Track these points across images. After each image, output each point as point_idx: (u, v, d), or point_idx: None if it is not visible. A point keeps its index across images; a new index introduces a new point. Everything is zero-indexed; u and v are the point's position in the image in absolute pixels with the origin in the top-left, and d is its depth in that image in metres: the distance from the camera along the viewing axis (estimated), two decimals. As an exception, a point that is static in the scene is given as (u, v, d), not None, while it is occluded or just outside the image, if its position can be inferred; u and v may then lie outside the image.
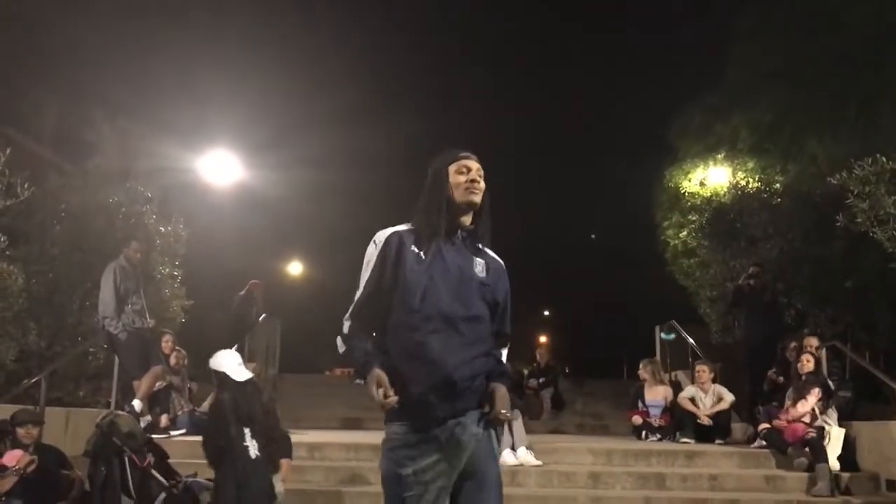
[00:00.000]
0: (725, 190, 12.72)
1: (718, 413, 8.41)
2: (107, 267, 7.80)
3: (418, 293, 2.64)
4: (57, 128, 15.43)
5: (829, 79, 11.12)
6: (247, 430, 4.98)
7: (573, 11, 46.63)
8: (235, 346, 10.57)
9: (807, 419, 7.04)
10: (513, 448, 6.93)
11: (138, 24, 16.19)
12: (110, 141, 12.42)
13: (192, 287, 10.66)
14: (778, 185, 11.80)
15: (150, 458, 5.53)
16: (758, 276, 9.72)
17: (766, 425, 7.36)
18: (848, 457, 6.87)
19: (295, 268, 28.54)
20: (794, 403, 7.21)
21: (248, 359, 11.46)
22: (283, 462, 5.69)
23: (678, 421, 8.52)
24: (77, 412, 7.42)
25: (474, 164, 2.80)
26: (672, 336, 12.09)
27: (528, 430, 7.48)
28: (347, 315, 2.74)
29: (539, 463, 6.80)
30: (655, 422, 8.76)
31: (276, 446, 5.73)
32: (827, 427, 6.91)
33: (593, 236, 36.55)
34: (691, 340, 11.25)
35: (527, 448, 6.94)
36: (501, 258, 2.91)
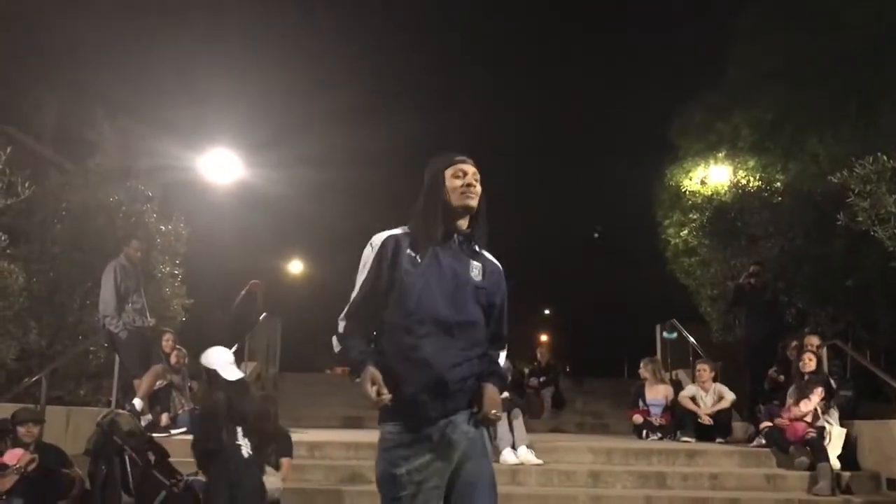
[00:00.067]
0: (726, 188, 12.71)
1: (719, 412, 8.41)
2: (107, 266, 7.82)
3: (413, 297, 2.67)
4: (57, 127, 15.44)
5: (830, 79, 11.12)
6: (239, 429, 4.97)
7: (573, 11, 46.62)
8: (236, 345, 10.64)
9: (808, 418, 7.04)
10: (513, 447, 6.93)
11: (139, 23, 16.21)
12: (111, 140, 12.41)
13: (193, 286, 10.66)
14: (779, 183, 11.78)
15: (151, 457, 5.53)
16: (758, 274, 9.72)
17: (768, 424, 7.36)
18: (849, 456, 6.87)
19: (295, 266, 28.54)
20: (797, 402, 7.20)
21: (248, 357, 11.52)
22: (284, 461, 5.71)
23: (679, 420, 8.52)
24: (78, 411, 7.41)
25: (470, 168, 2.82)
26: (674, 335, 12.09)
27: (529, 429, 7.47)
28: (342, 315, 2.78)
29: (539, 462, 6.80)
30: (656, 421, 8.75)
31: (276, 445, 5.76)
32: (828, 426, 6.90)
33: (596, 234, 36.52)
34: (692, 339, 11.25)
35: (527, 447, 6.94)
36: (502, 258, 2.92)
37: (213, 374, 5.11)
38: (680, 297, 13.35)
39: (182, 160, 13.26)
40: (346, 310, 2.77)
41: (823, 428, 6.87)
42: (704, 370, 8.82)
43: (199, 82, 18.41)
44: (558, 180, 42.12)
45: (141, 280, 8.05)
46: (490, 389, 2.71)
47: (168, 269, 10.07)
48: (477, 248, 2.85)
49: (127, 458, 5.38)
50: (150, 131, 12.96)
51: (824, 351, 8.00)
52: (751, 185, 12.15)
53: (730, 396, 8.55)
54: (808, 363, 7.45)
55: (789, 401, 7.38)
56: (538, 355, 12.05)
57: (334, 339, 2.76)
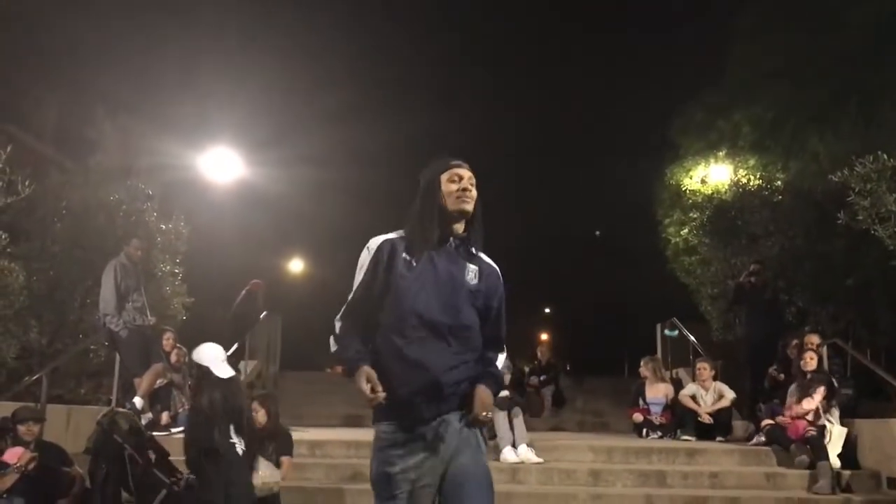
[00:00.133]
0: (727, 187, 12.71)
1: (719, 410, 8.41)
2: (108, 264, 7.81)
3: (407, 300, 2.70)
4: (58, 125, 15.45)
5: (830, 78, 11.12)
6: (231, 427, 4.96)
7: (573, 11, 46.63)
8: (236, 344, 10.64)
9: (810, 417, 7.04)
10: (514, 445, 6.94)
11: (139, 22, 16.21)
12: (111, 138, 12.45)
13: (193, 284, 10.66)
14: (779, 182, 11.78)
15: (151, 456, 5.53)
16: (759, 273, 9.71)
17: (770, 421, 7.36)
18: (849, 454, 6.86)
19: (296, 265, 28.53)
20: (799, 400, 7.20)
21: (249, 356, 11.52)
22: (284, 459, 5.71)
23: (679, 418, 8.52)
24: (78, 409, 7.42)
25: (466, 173, 2.83)
26: (675, 332, 12.09)
27: (529, 428, 7.48)
28: (339, 316, 2.81)
29: (540, 460, 6.81)
30: (656, 419, 8.76)
31: (276, 443, 5.76)
32: (829, 425, 6.90)
33: (598, 233, 36.51)
34: (692, 338, 11.25)
35: (528, 445, 6.94)
36: (502, 258, 2.94)
37: (204, 371, 5.05)
38: (680, 296, 13.36)
39: (182, 159, 13.29)
40: (342, 311, 2.81)
41: (824, 427, 6.87)
42: (704, 369, 8.82)
43: (199, 81, 18.44)
44: (558, 180, 42.15)
45: (141, 279, 8.04)
46: (482, 391, 2.72)
47: (168, 267, 10.08)
48: (473, 251, 2.86)
49: (127, 456, 5.38)
50: (150, 130, 13.00)
51: (825, 349, 8.00)
52: (751, 183, 12.15)
53: (730, 395, 8.55)
54: (810, 362, 7.45)
55: (790, 399, 7.39)
56: (538, 354, 12.06)
57: (331, 339, 2.79)
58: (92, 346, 8.61)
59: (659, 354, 11.99)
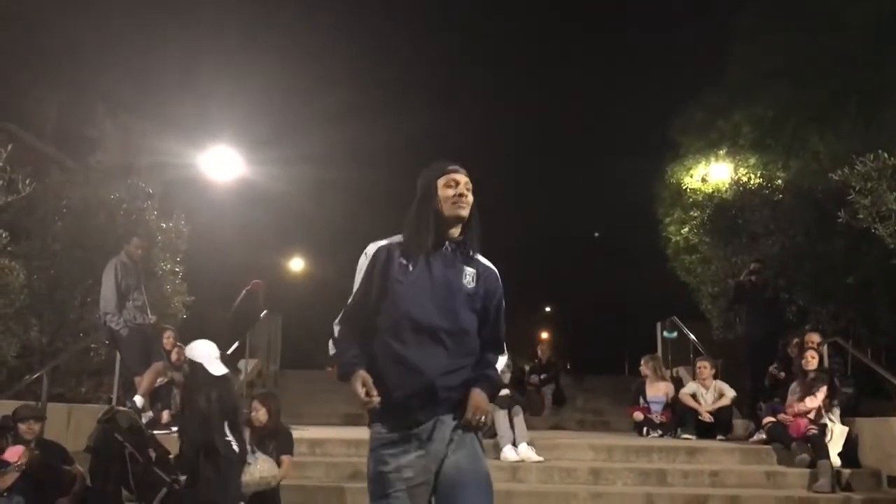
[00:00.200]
0: (727, 186, 12.71)
1: (720, 409, 8.41)
2: (108, 263, 7.82)
3: (403, 305, 2.72)
4: (58, 124, 15.46)
5: (830, 78, 11.12)
6: (226, 425, 4.96)
7: (573, 11, 46.64)
8: (236, 343, 10.65)
9: (811, 415, 7.04)
10: (514, 444, 6.94)
11: (140, 21, 16.23)
12: (112, 137, 12.44)
13: (194, 283, 10.67)
14: (779, 181, 11.78)
15: (152, 454, 5.54)
16: (759, 272, 9.71)
17: (771, 419, 7.37)
18: (849, 453, 6.87)
19: (296, 264, 28.55)
20: (801, 399, 7.21)
21: (249, 354, 11.52)
22: (285, 458, 5.70)
23: (679, 417, 8.52)
24: (79, 408, 7.42)
25: (462, 178, 2.84)
26: (674, 334, 12.10)
27: (529, 426, 7.47)
28: (338, 320, 2.85)
29: (540, 459, 6.81)
30: (657, 418, 8.76)
31: (276, 442, 5.75)
32: (830, 424, 6.90)
33: (597, 234, 36.53)
34: (693, 337, 11.25)
35: (528, 444, 6.95)
36: (502, 258, 2.95)
37: (198, 368, 5.02)
38: (681, 295, 13.36)
39: (183, 157, 13.28)
40: (340, 315, 2.85)
41: (825, 425, 6.87)
42: (705, 367, 8.82)
43: (200, 80, 18.48)
44: (558, 180, 42.20)
45: (142, 277, 8.05)
46: (476, 394, 2.74)
47: (169, 266, 10.08)
48: (470, 253, 2.87)
49: (128, 454, 5.38)
50: (151, 128, 12.99)
51: (825, 348, 8.00)
52: (752, 182, 12.15)
53: (730, 394, 8.55)
54: (811, 361, 7.45)
55: (792, 397, 7.39)
56: (539, 353, 12.04)
57: (330, 342, 2.82)
58: (92, 345, 8.61)
59: (659, 353, 11.99)
